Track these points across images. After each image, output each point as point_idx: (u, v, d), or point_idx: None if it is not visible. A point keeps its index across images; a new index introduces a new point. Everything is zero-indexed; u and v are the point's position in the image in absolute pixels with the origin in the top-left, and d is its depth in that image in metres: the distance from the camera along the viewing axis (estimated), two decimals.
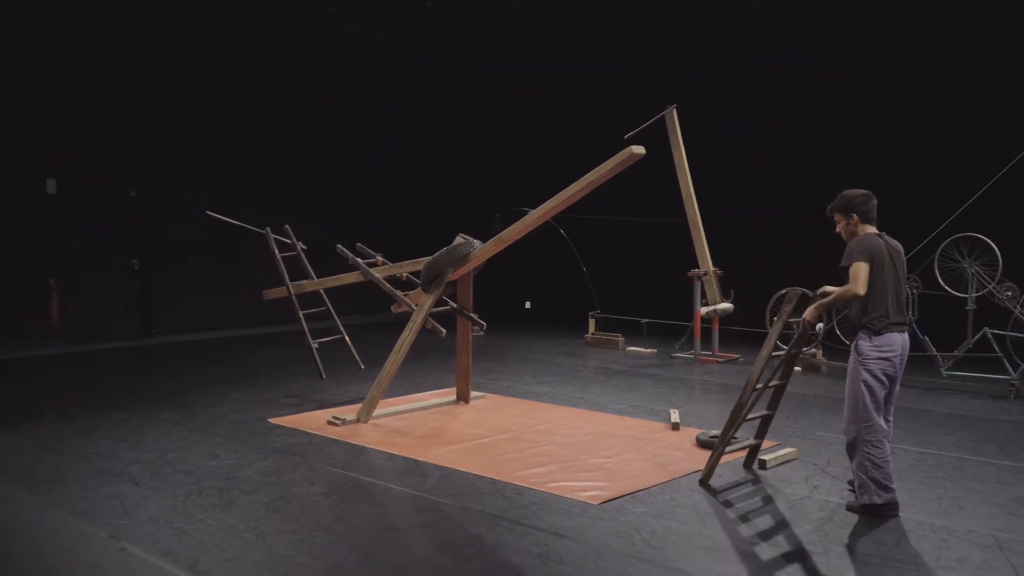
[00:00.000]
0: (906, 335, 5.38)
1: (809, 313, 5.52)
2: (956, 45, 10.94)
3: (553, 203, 7.10)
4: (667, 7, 13.37)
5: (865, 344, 5.27)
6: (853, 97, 11.77)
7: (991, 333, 9.01)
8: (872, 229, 5.39)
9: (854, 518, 5.23)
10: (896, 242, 5.48)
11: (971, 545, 4.85)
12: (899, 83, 11.36)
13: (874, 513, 5.23)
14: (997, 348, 8.99)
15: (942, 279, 9.34)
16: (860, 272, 5.19)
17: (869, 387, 5.23)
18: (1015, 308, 8.89)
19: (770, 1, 12.43)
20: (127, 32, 12.29)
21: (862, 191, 5.44)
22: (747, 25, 12.57)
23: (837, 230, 5.51)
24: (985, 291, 9.07)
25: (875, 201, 5.43)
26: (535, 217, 7.28)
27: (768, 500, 5.59)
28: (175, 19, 12.59)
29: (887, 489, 5.22)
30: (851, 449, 5.34)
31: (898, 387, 5.41)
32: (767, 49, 12.42)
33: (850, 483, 5.57)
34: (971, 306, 9.15)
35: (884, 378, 5.25)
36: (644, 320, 11.98)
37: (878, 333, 5.23)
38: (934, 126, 11.19)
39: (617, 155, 6.66)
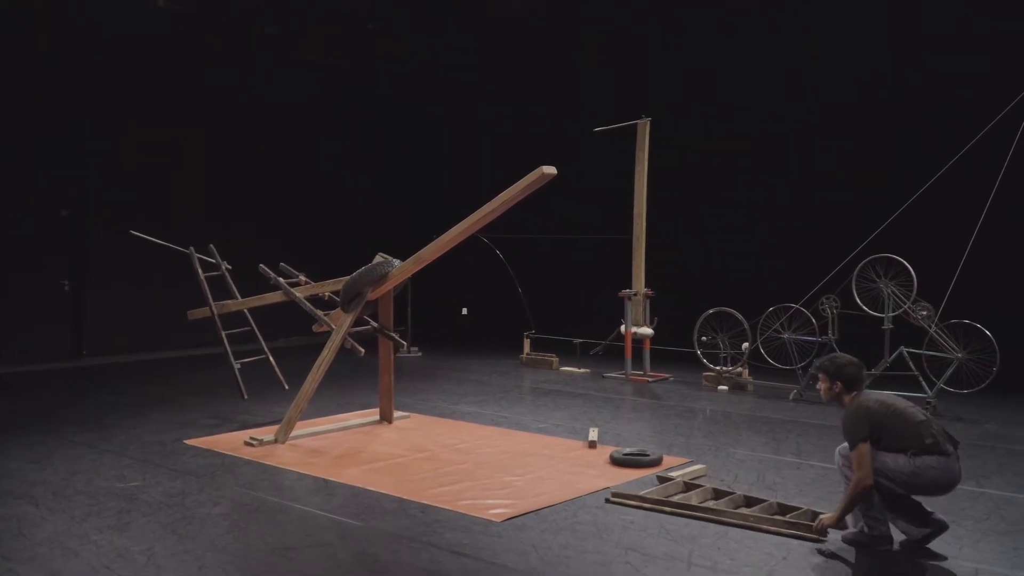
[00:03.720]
0: (952, 461, 4.96)
1: (828, 520, 5.09)
2: (870, 75, 11.26)
3: (468, 223, 7.16)
4: (606, 29, 13.60)
5: (928, 460, 4.89)
6: (758, 124, 12.07)
7: (907, 352, 9.21)
8: (855, 394, 5.18)
9: (744, 535, 5.31)
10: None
11: (861, 558, 4.96)
12: (816, 110, 11.65)
13: (868, 543, 5.05)
14: (913, 367, 9.18)
15: (859, 299, 9.54)
16: (861, 457, 4.91)
17: (899, 482, 4.93)
18: (930, 327, 9.10)
19: (717, 28, 12.71)
20: (69, 48, 12.19)
21: (854, 360, 5.28)
22: (689, 52, 12.82)
23: (817, 386, 5.40)
24: (901, 311, 9.28)
25: (865, 371, 5.28)
26: (452, 236, 7.34)
27: (671, 517, 5.65)
28: (117, 37, 12.53)
29: (878, 521, 5.04)
30: (844, 480, 5.17)
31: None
32: (709, 75, 12.66)
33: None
34: (887, 325, 9.35)
35: (927, 490, 4.96)
36: (577, 340, 12.07)
37: (944, 455, 4.92)
38: (852, 153, 11.47)
39: (528, 176, 6.74)
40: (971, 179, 9.46)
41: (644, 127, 11.07)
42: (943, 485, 4.98)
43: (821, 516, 5.17)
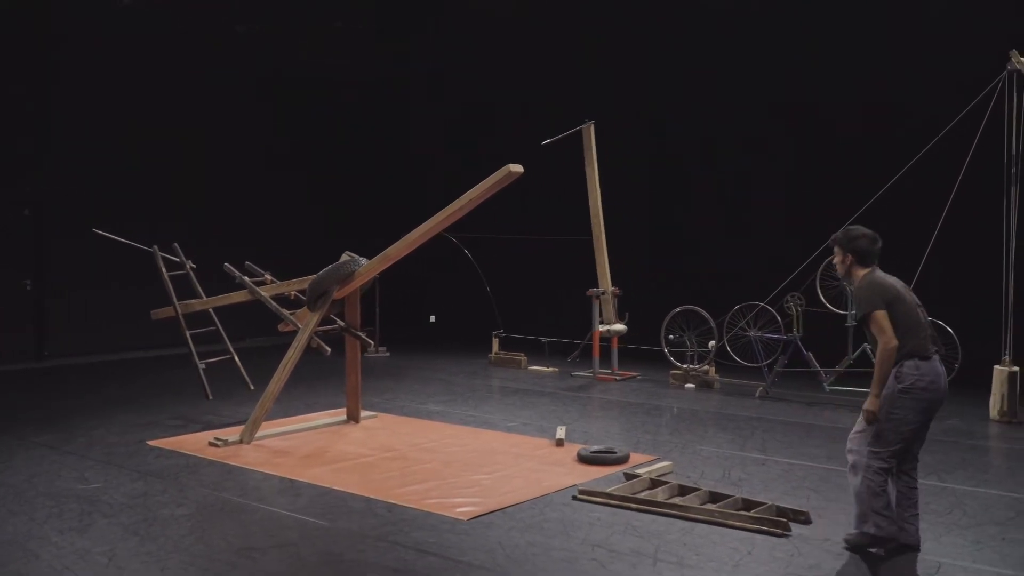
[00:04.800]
0: (934, 363, 4.95)
1: (871, 404, 4.90)
2: (837, 59, 11.38)
3: (434, 221, 7.14)
4: (572, 25, 13.62)
5: (909, 368, 4.87)
6: (725, 124, 12.15)
7: (870, 349, 9.28)
8: (868, 270, 5.10)
9: (710, 530, 5.34)
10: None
11: (824, 553, 5.00)
12: (779, 112, 11.75)
13: (870, 544, 4.98)
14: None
15: (823, 297, 9.64)
16: (882, 321, 4.85)
17: (897, 418, 4.88)
18: None
19: (679, 23, 12.77)
20: (28, 49, 11.99)
21: (868, 233, 5.13)
22: (654, 47, 12.88)
23: (833, 260, 5.33)
24: None
25: (880, 244, 5.11)
26: (418, 235, 7.31)
27: (637, 513, 5.66)
28: (76, 35, 12.34)
29: (888, 520, 4.94)
30: (852, 471, 5.07)
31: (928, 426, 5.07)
32: (675, 71, 12.72)
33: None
34: (851, 323, 9.44)
35: (922, 408, 4.92)
36: (546, 339, 12.08)
37: (925, 358, 4.90)
38: (816, 152, 11.57)
39: (495, 174, 6.74)
40: (934, 178, 9.56)
41: (588, 131, 11.14)
42: (933, 392, 4.90)
43: (865, 407, 4.97)
